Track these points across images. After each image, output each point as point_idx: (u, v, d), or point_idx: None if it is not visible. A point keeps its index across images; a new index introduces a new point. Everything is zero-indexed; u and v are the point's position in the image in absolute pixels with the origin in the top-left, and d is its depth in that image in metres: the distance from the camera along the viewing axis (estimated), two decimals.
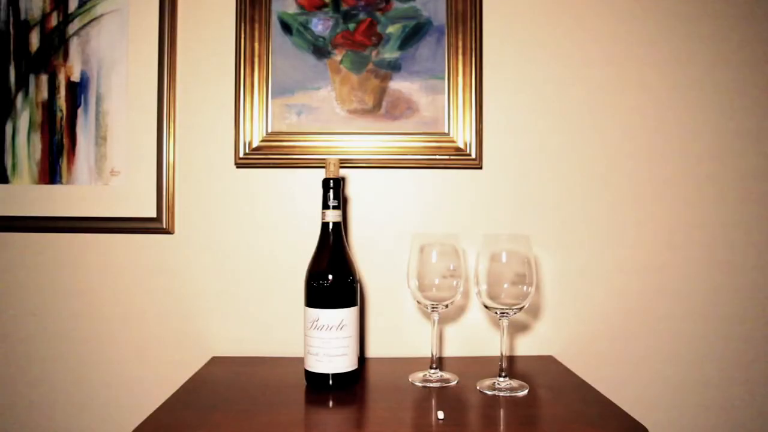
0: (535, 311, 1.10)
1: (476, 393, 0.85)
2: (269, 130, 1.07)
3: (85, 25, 1.08)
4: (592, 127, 1.11)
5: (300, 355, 0.90)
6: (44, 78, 1.08)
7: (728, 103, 1.11)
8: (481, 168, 1.09)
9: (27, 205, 1.08)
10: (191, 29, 1.09)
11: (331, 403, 0.82)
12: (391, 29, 1.08)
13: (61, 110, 1.08)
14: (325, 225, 0.89)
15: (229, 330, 1.09)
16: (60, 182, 1.08)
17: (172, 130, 1.08)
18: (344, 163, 1.05)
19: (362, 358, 1.06)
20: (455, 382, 0.90)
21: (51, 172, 1.08)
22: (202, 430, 0.70)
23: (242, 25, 1.07)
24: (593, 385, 0.90)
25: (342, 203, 0.91)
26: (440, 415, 0.75)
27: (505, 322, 0.88)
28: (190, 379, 0.92)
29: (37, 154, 1.08)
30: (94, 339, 1.09)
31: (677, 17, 1.11)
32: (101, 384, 1.09)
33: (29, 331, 1.09)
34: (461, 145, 1.07)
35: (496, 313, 0.87)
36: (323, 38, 1.08)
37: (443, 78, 1.08)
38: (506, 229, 1.08)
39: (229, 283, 1.09)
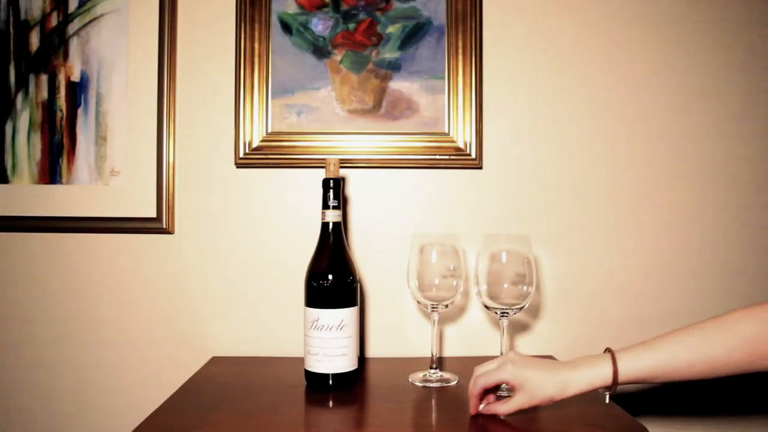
0: (535, 311, 1.10)
1: None
2: (269, 130, 1.07)
3: (85, 25, 1.08)
4: (592, 127, 1.11)
5: (300, 355, 0.90)
6: (44, 78, 1.08)
7: (732, 106, 1.11)
8: (481, 168, 1.09)
9: (27, 205, 1.08)
10: (191, 29, 1.09)
11: (331, 403, 0.82)
12: (391, 29, 1.08)
13: (61, 110, 1.08)
14: (325, 225, 0.89)
15: (229, 330, 1.09)
16: (60, 182, 1.08)
17: (172, 130, 1.08)
18: (344, 163, 1.05)
19: (362, 358, 1.06)
20: (455, 382, 0.90)
21: (51, 172, 1.08)
22: (202, 430, 0.70)
23: (242, 25, 1.07)
24: None
25: (342, 203, 0.91)
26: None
27: (505, 322, 0.88)
28: (190, 379, 0.92)
29: (37, 154, 1.08)
30: (93, 339, 1.09)
31: (678, 19, 1.11)
32: (101, 384, 1.09)
33: (29, 331, 1.09)
34: (461, 145, 1.07)
35: (496, 313, 0.87)
36: (323, 38, 1.08)
37: (443, 78, 1.08)
38: (506, 229, 1.08)
39: (229, 283, 1.09)
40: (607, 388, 0.68)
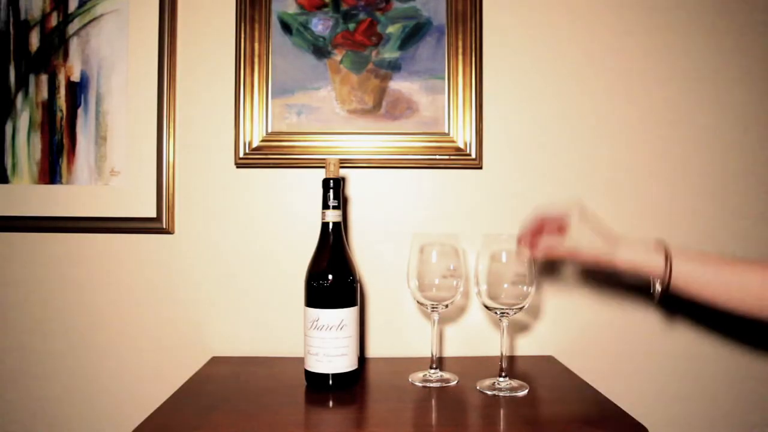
0: (535, 311, 1.10)
1: (476, 393, 0.85)
2: (269, 130, 1.07)
3: (85, 25, 1.08)
4: (592, 127, 1.11)
5: (300, 355, 0.90)
6: (44, 78, 1.08)
7: (733, 99, 1.11)
8: (481, 168, 1.09)
9: (27, 205, 1.08)
10: (191, 29, 1.09)
11: (331, 403, 0.82)
12: (391, 29, 1.08)
13: (61, 110, 1.08)
14: (325, 225, 0.89)
15: (229, 330, 1.09)
16: (60, 182, 1.08)
17: (172, 130, 1.08)
18: (344, 163, 1.05)
19: (362, 358, 1.06)
20: (455, 382, 0.90)
21: (51, 172, 1.08)
22: (201, 430, 0.70)
23: (242, 25, 1.07)
24: (593, 385, 0.90)
25: (342, 203, 0.91)
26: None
27: (505, 322, 0.88)
28: (190, 379, 0.92)
29: (37, 154, 1.08)
30: (93, 339, 1.09)
31: (679, 17, 1.11)
32: (101, 384, 1.09)
33: (29, 331, 1.09)
34: (461, 145, 1.07)
35: (496, 313, 0.87)
36: (323, 38, 1.08)
37: (443, 78, 1.08)
38: (506, 229, 1.08)
39: (229, 283, 1.09)
40: (658, 278, 0.70)
